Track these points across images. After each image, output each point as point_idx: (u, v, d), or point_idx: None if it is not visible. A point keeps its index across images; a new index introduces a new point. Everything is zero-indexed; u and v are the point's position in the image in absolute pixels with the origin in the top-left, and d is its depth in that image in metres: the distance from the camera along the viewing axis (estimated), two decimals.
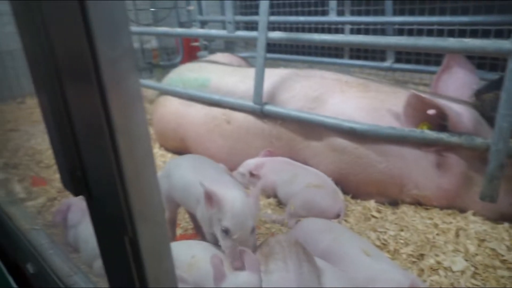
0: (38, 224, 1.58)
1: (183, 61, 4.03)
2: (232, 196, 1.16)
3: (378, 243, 1.50)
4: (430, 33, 3.11)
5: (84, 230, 1.52)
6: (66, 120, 0.60)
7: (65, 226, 1.60)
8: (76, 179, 0.66)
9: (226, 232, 1.13)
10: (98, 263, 1.38)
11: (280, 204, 1.87)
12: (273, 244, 1.17)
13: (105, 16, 0.46)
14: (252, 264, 1.10)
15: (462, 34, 2.90)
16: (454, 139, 1.57)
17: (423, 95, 1.62)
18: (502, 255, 1.39)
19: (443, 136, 1.59)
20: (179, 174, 1.43)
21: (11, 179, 2.28)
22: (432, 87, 1.98)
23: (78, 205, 1.63)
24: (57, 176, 2.33)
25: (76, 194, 0.67)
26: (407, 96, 1.67)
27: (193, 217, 1.61)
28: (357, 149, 1.76)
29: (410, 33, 3.21)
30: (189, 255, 1.25)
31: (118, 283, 0.71)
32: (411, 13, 3.25)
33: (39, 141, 2.93)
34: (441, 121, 1.63)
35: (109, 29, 0.47)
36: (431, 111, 1.62)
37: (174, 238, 1.60)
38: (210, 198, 1.15)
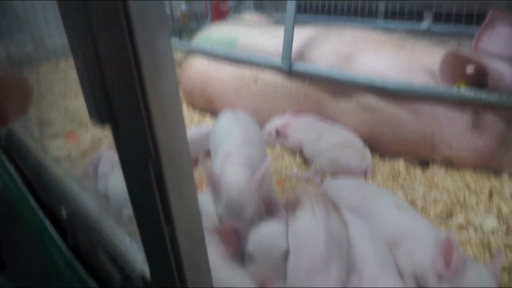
0: (71, 174, 1.64)
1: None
2: (231, 179, 1.04)
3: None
4: None
5: (114, 181, 1.57)
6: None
7: (96, 176, 1.66)
8: (100, 107, 0.66)
9: (220, 218, 1.05)
10: (127, 212, 1.43)
11: (306, 163, 1.86)
12: (300, 194, 1.16)
13: None
14: (278, 213, 1.10)
15: None
16: (494, 97, 1.49)
17: (461, 52, 1.53)
18: None
19: (482, 94, 1.50)
20: (218, 126, 1.43)
21: (46, 134, 2.37)
22: (472, 45, 1.86)
23: (108, 158, 1.69)
24: (90, 134, 2.41)
25: (102, 122, 0.68)
26: (444, 54, 1.59)
27: None
28: (388, 108, 1.70)
29: None
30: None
31: (143, 210, 0.73)
32: None
33: (72, 102, 3.01)
34: (480, 79, 1.54)
35: None
36: (469, 69, 1.53)
37: None
38: (210, 180, 1.05)
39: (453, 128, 1.60)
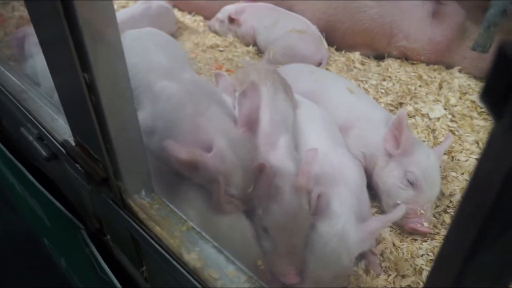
0: None
1: None
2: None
3: None
4: None
5: (42, 61, 1.39)
6: None
7: (23, 56, 1.46)
8: None
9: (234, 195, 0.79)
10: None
11: (260, 52, 1.75)
12: (250, 70, 1.08)
13: None
14: (226, 87, 1.03)
15: None
16: None
17: None
18: (481, 107, 1.36)
19: None
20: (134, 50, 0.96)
21: None
22: None
23: (35, 35, 1.47)
24: (16, 13, 2.11)
25: None
26: None
27: None
28: None
29: None
30: None
31: (53, 50, 0.62)
32: None
33: None
34: None
35: None
36: None
37: None
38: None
39: (412, 17, 1.53)
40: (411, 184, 0.96)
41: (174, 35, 1.92)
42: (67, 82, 0.62)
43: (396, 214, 0.85)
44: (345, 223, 0.82)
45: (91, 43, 0.53)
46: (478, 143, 1.21)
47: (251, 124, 0.82)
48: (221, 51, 1.78)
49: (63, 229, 1.15)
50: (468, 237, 0.26)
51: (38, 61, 1.41)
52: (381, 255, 0.91)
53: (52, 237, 1.41)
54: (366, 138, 1.07)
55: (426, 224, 0.94)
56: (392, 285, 0.85)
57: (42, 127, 0.93)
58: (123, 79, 0.59)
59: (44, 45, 0.63)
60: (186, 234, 0.67)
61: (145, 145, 0.68)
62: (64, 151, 0.77)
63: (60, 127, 0.90)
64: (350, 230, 0.81)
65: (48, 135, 0.90)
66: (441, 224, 0.97)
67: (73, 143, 0.75)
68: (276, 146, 0.90)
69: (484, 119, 1.31)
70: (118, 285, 0.90)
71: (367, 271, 0.88)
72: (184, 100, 0.81)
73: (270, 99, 0.98)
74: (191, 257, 0.63)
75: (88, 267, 1.03)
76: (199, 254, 0.63)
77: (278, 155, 0.88)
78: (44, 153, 0.94)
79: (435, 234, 0.95)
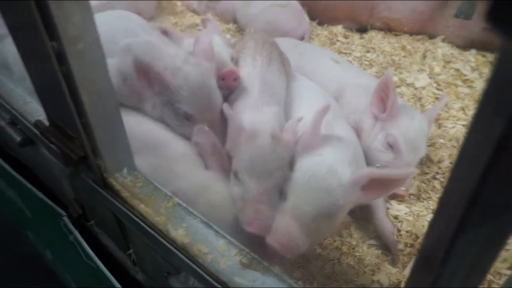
0: None
1: None
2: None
3: None
4: None
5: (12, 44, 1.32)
6: None
7: None
8: None
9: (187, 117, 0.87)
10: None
11: (240, 29, 1.70)
12: (248, 39, 1.04)
13: None
14: (213, 28, 1.07)
15: None
16: None
17: None
18: (465, 75, 1.35)
19: None
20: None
21: None
22: None
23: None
24: None
25: None
26: None
27: None
28: None
29: None
30: None
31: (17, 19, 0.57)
32: None
33: None
34: None
35: None
36: None
37: None
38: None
39: None
40: (391, 146, 0.94)
41: (153, 17, 1.86)
42: (34, 53, 0.58)
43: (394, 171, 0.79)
44: (337, 159, 0.74)
45: (56, 7, 0.49)
46: (464, 110, 1.20)
47: (207, 55, 0.91)
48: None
49: (45, 218, 1.10)
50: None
51: (7, 45, 1.34)
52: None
53: (34, 229, 1.36)
54: (354, 104, 1.05)
55: (402, 188, 0.92)
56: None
57: (15, 110, 0.88)
58: (95, 46, 0.55)
59: (6, 14, 0.58)
60: (172, 210, 0.64)
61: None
62: (38, 132, 0.72)
63: (34, 110, 0.86)
64: (342, 166, 0.73)
65: (21, 118, 0.85)
66: (432, 190, 0.97)
67: (47, 124, 0.71)
68: (263, 112, 0.87)
69: (468, 86, 1.31)
70: (106, 270, 0.87)
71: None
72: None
73: (262, 69, 0.96)
74: (179, 233, 0.60)
75: (73, 255, 0.99)
76: (187, 229, 0.61)
77: (263, 116, 0.85)
78: (18, 138, 0.90)
79: (425, 199, 0.94)
